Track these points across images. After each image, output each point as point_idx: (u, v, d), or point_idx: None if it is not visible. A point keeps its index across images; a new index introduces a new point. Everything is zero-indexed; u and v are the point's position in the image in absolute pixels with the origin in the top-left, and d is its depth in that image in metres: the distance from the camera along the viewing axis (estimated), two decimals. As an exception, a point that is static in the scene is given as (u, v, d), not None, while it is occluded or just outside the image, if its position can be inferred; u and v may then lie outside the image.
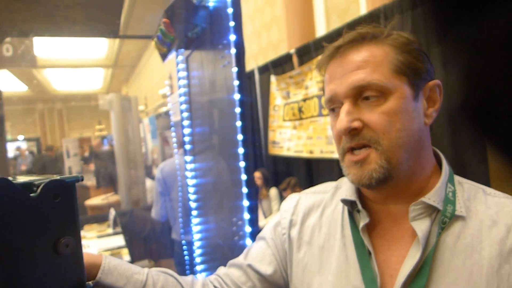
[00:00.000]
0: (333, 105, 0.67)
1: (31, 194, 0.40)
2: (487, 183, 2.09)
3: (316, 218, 0.76)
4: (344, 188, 0.73)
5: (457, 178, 0.68)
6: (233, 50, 1.23)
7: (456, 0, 2.09)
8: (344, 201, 0.71)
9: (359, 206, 0.68)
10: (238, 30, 1.22)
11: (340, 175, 0.72)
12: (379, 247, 0.66)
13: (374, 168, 0.61)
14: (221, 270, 0.84)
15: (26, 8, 1.65)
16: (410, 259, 0.61)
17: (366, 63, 0.63)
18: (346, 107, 0.63)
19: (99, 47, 12.70)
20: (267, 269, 0.78)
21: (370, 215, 0.68)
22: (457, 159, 2.20)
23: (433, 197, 0.62)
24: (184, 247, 2.69)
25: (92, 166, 7.50)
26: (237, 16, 1.22)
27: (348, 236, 0.69)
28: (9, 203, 0.37)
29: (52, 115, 20.76)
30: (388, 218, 0.68)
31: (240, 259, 0.82)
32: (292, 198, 0.84)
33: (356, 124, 0.62)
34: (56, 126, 20.65)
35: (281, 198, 3.95)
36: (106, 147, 8.00)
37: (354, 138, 0.63)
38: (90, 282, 0.57)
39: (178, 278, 0.76)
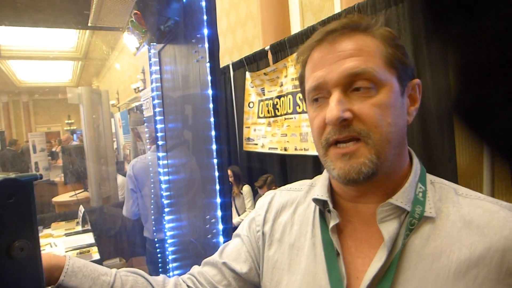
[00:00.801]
0: (319, 94, 0.62)
1: (-19, 194, 0.36)
2: (455, 180, 2.17)
3: (288, 215, 0.75)
4: (318, 186, 0.72)
5: (429, 177, 0.67)
6: (206, 45, 1.20)
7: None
8: (316, 200, 0.69)
9: (330, 206, 0.66)
10: (212, 24, 1.19)
11: (314, 172, 0.71)
12: (347, 248, 0.65)
13: (364, 162, 0.58)
14: (195, 269, 0.82)
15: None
16: (376, 262, 0.59)
17: (360, 51, 0.60)
18: (336, 95, 0.59)
19: (68, 39, 12.26)
20: (242, 267, 0.76)
21: (341, 214, 0.66)
22: (427, 157, 2.27)
23: (400, 198, 0.60)
24: (157, 245, 2.64)
25: (60, 162, 7.23)
26: (211, 9, 1.19)
27: (318, 235, 0.68)
28: (-45, 204, 0.34)
29: (18, 108, 19.90)
30: (358, 218, 0.66)
31: (215, 257, 0.80)
32: (267, 195, 0.82)
33: (347, 114, 0.58)
34: (21, 120, 19.82)
35: (256, 195, 3.95)
36: (76, 142, 7.73)
37: (344, 130, 0.59)
38: (50, 287, 0.53)
39: (148, 279, 0.74)
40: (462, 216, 0.59)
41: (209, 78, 1.19)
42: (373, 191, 0.64)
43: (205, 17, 1.19)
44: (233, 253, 0.78)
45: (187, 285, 0.77)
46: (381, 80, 0.59)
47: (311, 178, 0.83)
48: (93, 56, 14.96)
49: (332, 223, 0.65)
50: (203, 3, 1.19)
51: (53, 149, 8.98)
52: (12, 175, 0.40)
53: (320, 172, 0.76)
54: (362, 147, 0.59)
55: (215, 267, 0.78)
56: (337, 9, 3.69)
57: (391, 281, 0.57)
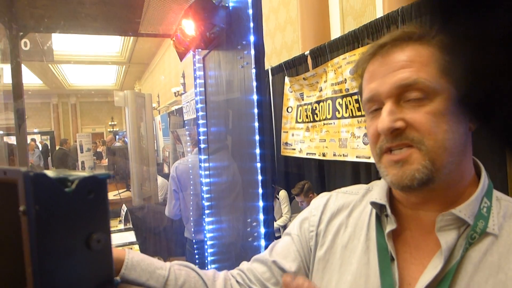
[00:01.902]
0: (373, 105, 0.64)
1: (66, 189, 0.40)
2: (506, 192, 2.06)
3: (343, 218, 0.75)
4: (376, 191, 0.72)
5: (496, 193, 0.65)
6: (252, 51, 1.23)
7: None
8: (374, 204, 0.69)
9: (388, 211, 0.66)
10: (258, 31, 1.22)
11: (353, 178, 0.71)
12: (402, 254, 0.64)
13: (417, 168, 0.58)
14: (245, 265, 0.83)
15: (49, 4, 1.68)
16: (430, 270, 0.59)
17: (412, 62, 0.60)
18: (388, 106, 0.60)
19: (113, 44, 12.86)
20: (291, 266, 0.77)
21: (398, 220, 0.66)
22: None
23: (464, 210, 0.59)
24: (195, 246, 2.71)
25: (104, 162, 7.57)
26: (257, 17, 1.22)
27: (373, 239, 0.68)
28: (46, 197, 0.38)
29: (66, 110, 21.09)
30: (416, 225, 0.65)
31: (265, 255, 0.81)
32: (323, 196, 0.82)
33: (399, 124, 0.58)
34: (69, 121, 20.98)
35: (293, 201, 3.94)
36: (118, 143, 8.08)
37: (396, 138, 0.59)
38: (117, 278, 0.57)
39: (199, 273, 0.76)
40: None
41: (254, 83, 1.22)
42: (434, 199, 0.63)
43: (251, 24, 1.22)
44: (283, 251, 0.79)
45: (236, 281, 0.79)
46: (435, 88, 0.58)
47: (349, 184, 0.84)
48: (136, 61, 15.59)
49: (388, 228, 0.65)
50: (250, 11, 1.23)
51: (98, 149, 9.43)
52: (88, 173, 0.44)
53: (359, 178, 0.76)
54: (415, 153, 0.58)
55: (265, 264, 0.79)
56: (379, 14, 3.62)
57: None
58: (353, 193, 0.79)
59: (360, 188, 0.80)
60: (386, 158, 0.62)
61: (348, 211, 0.76)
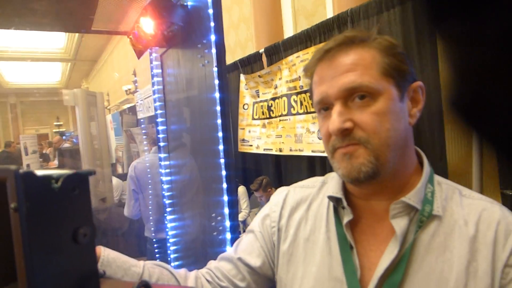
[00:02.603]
0: (324, 106, 0.69)
1: (53, 186, 0.42)
2: (446, 178, 2.26)
3: (302, 211, 0.80)
4: (331, 184, 0.77)
5: (437, 178, 0.72)
6: (214, 50, 1.26)
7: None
8: (331, 198, 0.74)
9: (345, 204, 0.71)
10: (219, 30, 1.25)
11: (309, 172, 0.76)
12: (360, 242, 0.70)
13: (363, 162, 0.64)
14: (212, 264, 0.86)
15: (-6, 0, 1.58)
16: (388, 254, 0.65)
17: (356, 65, 0.65)
18: (337, 108, 0.65)
19: (57, 40, 12.16)
20: (256, 261, 0.81)
21: (354, 211, 0.71)
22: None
23: (413, 197, 0.66)
24: (155, 245, 2.68)
25: (53, 164, 7.17)
26: (218, 16, 1.25)
27: (333, 230, 0.73)
28: (36, 194, 0.39)
29: (5, 110, 19.62)
30: (371, 214, 0.71)
31: (230, 253, 0.85)
32: (281, 192, 0.86)
33: (348, 124, 0.64)
34: (9, 122, 19.55)
35: (251, 196, 4.00)
36: (67, 144, 7.69)
37: (345, 138, 0.65)
38: (101, 270, 0.59)
39: (172, 271, 0.79)
40: (464, 214, 0.65)
41: (216, 82, 1.25)
42: (383, 190, 0.69)
43: (212, 24, 1.25)
44: (247, 248, 0.83)
45: (206, 279, 0.82)
46: (378, 89, 0.64)
47: (306, 178, 0.88)
48: (83, 58, 14.85)
49: (346, 219, 0.70)
50: (210, 11, 1.25)
51: (44, 151, 8.90)
52: (68, 171, 0.46)
53: (314, 172, 0.81)
54: (361, 149, 0.65)
55: (231, 262, 0.83)
56: (330, 14, 3.77)
57: (403, 272, 0.63)
58: (310, 187, 0.84)
59: (316, 181, 0.85)
60: (337, 152, 0.67)
61: (307, 204, 0.80)
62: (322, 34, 3.10)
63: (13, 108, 19.79)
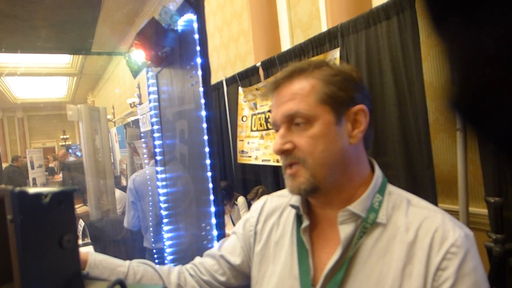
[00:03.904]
0: (275, 128, 0.80)
1: (42, 201, 0.52)
2: (434, 187, 2.33)
3: (275, 218, 0.90)
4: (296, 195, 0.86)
5: (389, 188, 0.79)
6: (200, 72, 1.37)
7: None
8: (292, 206, 0.84)
9: (301, 211, 0.81)
10: (204, 54, 1.36)
11: None
12: (315, 245, 0.79)
13: (302, 181, 0.74)
14: (197, 259, 0.97)
15: (1, 27, 1.71)
16: (333, 256, 0.74)
17: (295, 95, 0.75)
18: (281, 131, 0.77)
19: (63, 55, 12.42)
20: (236, 259, 0.91)
21: (312, 218, 0.81)
22: (408, 165, 2.43)
23: (358, 206, 0.74)
24: (155, 255, 2.77)
25: (58, 177, 7.30)
26: (203, 41, 1.36)
27: (295, 235, 0.83)
28: (28, 209, 0.49)
29: (12, 125, 19.95)
30: (325, 221, 0.80)
31: (214, 250, 0.95)
32: (261, 200, 0.97)
33: (288, 146, 0.75)
34: (16, 136, 19.85)
35: (250, 206, 4.08)
36: (72, 158, 7.83)
37: (288, 157, 0.76)
38: (84, 271, 0.68)
39: (155, 268, 0.89)
40: (407, 222, 0.73)
41: (202, 101, 1.35)
42: (332, 201, 0.78)
43: (198, 48, 1.36)
44: (229, 247, 0.94)
45: (190, 273, 0.92)
46: (313, 115, 0.74)
47: None
48: (89, 72, 15.14)
49: (303, 225, 0.80)
50: (196, 36, 1.36)
51: (50, 165, 9.06)
52: (55, 188, 0.56)
53: None
54: (301, 169, 0.75)
55: (214, 258, 0.94)
56: (324, 27, 3.88)
57: (344, 272, 0.72)
58: (285, 196, 0.93)
59: None
60: (286, 173, 0.78)
61: (280, 212, 0.91)
62: (315, 48, 3.21)
63: (20, 122, 20.12)
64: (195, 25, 1.37)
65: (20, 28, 1.73)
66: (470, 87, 0.27)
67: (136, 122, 6.40)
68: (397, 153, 2.47)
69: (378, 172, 0.80)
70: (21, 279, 0.48)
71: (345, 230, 0.74)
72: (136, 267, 0.86)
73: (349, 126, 0.77)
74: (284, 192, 0.95)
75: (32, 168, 6.30)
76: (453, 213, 0.78)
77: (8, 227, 0.48)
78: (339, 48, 2.89)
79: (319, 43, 3.14)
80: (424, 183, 2.37)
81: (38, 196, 0.52)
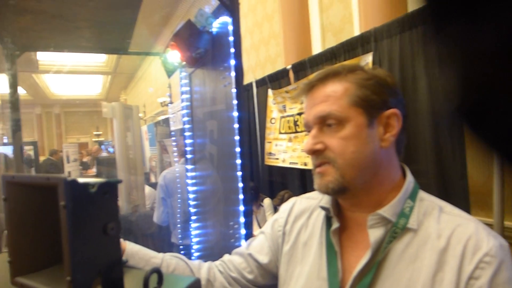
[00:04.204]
0: (308, 129, 0.82)
1: (90, 191, 0.56)
2: (467, 198, 2.25)
3: (304, 219, 0.91)
4: (326, 196, 0.86)
5: (421, 194, 0.79)
6: (233, 73, 1.40)
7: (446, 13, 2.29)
8: (322, 208, 0.85)
9: (331, 213, 0.82)
10: (238, 56, 1.39)
11: None
12: (345, 248, 0.80)
13: (331, 180, 0.75)
14: (226, 257, 1.00)
15: (47, 28, 1.82)
16: (363, 259, 0.74)
17: (328, 97, 0.77)
18: (313, 132, 0.78)
19: (99, 55, 12.87)
20: (263, 258, 0.93)
21: (343, 221, 0.82)
22: (440, 175, 2.37)
23: (388, 210, 0.74)
24: (181, 251, 2.83)
25: (91, 172, 7.59)
26: (237, 43, 1.39)
27: (324, 236, 0.84)
28: (77, 196, 0.53)
29: (50, 120, 20.86)
30: (354, 224, 0.81)
31: (243, 248, 0.98)
32: (290, 201, 0.99)
33: (319, 146, 0.77)
34: (53, 131, 20.74)
35: (276, 210, 4.08)
36: (104, 153, 8.11)
37: (318, 157, 0.77)
38: (124, 258, 0.72)
39: (187, 262, 0.93)
40: (439, 229, 0.72)
41: (234, 102, 1.38)
42: (361, 204, 0.79)
43: (232, 50, 1.39)
44: (258, 246, 0.96)
45: (219, 270, 0.95)
46: (345, 117, 0.75)
47: None
48: (122, 71, 15.62)
49: (333, 227, 0.81)
50: (231, 38, 1.40)
51: (84, 160, 9.42)
52: (102, 180, 0.60)
53: None
54: (330, 168, 0.76)
55: (242, 256, 0.96)
56: (357, 31, 3.84)
57: (372, 276, 0.72)
58: (314, 198, 0.94)
59: (320, 193, 0.95)
60: (315, 171, 0.79)
61: (308, 213, 0.92)
62: (347, 52, 3.19)
63: (57, 118, 21.01)
64: (230, 28, 1.40)
65: (66, 28, 1.84)
66: (470, 90, 0.26)
67: (166, 121, 6.54)
68: (429, 161, 2.41)
69: (410, 177, 0.80)
70: (71, 261, 0.52)
71: (375, 234, 0.75)
72: (169, 259, 0.90)
73: (381, 129, 0.77)
74: (313, 194, 0.96)
75: (68, 162, 6.59)
76: (487, 226, 0.76)
77: (60, 212, 0.52)
78: (371, 53, 2.85)
79: (351, 47, 3.12)
80: (456, 193, 2.30)
81: (87, 185, 0.56)
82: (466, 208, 2.22)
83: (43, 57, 10.73)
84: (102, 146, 12.52)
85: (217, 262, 0.98)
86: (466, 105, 0.27)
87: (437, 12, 0.26)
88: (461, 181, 2.30)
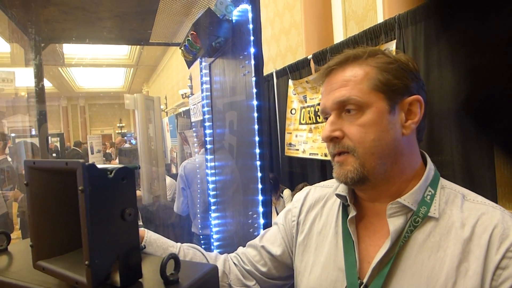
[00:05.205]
0: (325, 115, 0.79)
1: (108, 176, 0.56)
2: (494, 190, 2.17)
3: (318, 208, 0.89)
4: (342, 184, 0.84)
5: (442, 182, 0.76)
6: (252, 61, 1.38)
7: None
8: (338, 196, 0.83)
9: (348, 201, 0.80)
10: (258, 44, 1.37)
11: None
12: (362, 237, 0.78)
13: (350, 169, 0.73)
14: (240, 249, 0.99)
15: (70, 18, 1.85)
16: (382, 249, 0.72)
17: (348, 81, 0.73)
18: (331, 118, 0.75)
19: (122, 47, 13.09)
20: (277, 250, 0.92)
21: (359, 210, 0.79)
22: (466, 165, 2.29)
23: (408, 198, 0.72)
24: (202, 241, 2.86)
25: (114, 163, 7.76)
26: (257, 31, 1.37)
27: (340, 225, 0.82)
28: (96, 181, 0.53)
29: (75, 112, 21.43)
30: (373, 213, 0.78)
31: (256, 241, 0.97)
32: (304, 191, 0.97)
33: (337, 133, 0.74)
34: (78, 123, 21.32)
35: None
36: (127, 144, 8.28)
37: (336, 145, 0.75)
38: (142, 244, 0.72)
39: (204, 253, 0.93)
40: (462, 217, 0.69)
41: (254, 90, 1.37)
42: (381, 194, 0.76)
43: (252, 38, 1.37)
44: (271, 238, 0.95)
45: (233, 262, 0.95)
46: (365, 103, 0.72)
47: None
48: (144, 63, 15.84)
49: (350, 215, 0.79)
50: (250, 26, 1.38)
51: (107, 151, 9.65)
52: (119, 165, 0.60)
53: None
54: (350, 157, 0.73)
55: (255, 248, 0.95)
56: (380, 18, 3.74)
57: (390, 266, 0.69)
58: (328, 187, 0.93)
59: (334, 182, 0.92)
60: (334, 160, 0.77)
61: (323, 202, 0.90)
62: (370, 40, 3.10)
63: (82, 110, 21.55)
64: (250, 15, 1.38)
65: (88, 19, 1.86)
66: (478, 89, 0.26)
67: (187, 112, 6.60)
68: (454, 152, 2.33)
69: (430, 165, 0.77)
70: (89, 245, 0.52)
71: (395, 222, 0.72)
72: (186, 249, 0.90)
73: (402, 116, 0.74)
74: (328, 182, 0.95)
75: (92, 153, 6.75)
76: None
77: (79, 196, 0.52)
78: (395, 41, 2.77)
79: (374, 35, 3.03)
80: (483, 185, 2.22)
81: (105, 170, 0.56)
82: (493, 201, 2.13)
83: (68, 51, 11.00)
84: (126, 137, 12.78)
85: (232, 255, 0.98)
86: (473, 104, 0.27)
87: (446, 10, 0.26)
88: (488, 172, 2.22)
